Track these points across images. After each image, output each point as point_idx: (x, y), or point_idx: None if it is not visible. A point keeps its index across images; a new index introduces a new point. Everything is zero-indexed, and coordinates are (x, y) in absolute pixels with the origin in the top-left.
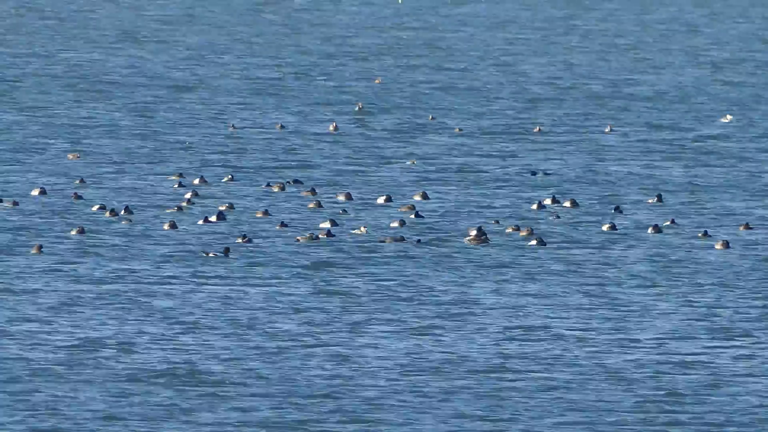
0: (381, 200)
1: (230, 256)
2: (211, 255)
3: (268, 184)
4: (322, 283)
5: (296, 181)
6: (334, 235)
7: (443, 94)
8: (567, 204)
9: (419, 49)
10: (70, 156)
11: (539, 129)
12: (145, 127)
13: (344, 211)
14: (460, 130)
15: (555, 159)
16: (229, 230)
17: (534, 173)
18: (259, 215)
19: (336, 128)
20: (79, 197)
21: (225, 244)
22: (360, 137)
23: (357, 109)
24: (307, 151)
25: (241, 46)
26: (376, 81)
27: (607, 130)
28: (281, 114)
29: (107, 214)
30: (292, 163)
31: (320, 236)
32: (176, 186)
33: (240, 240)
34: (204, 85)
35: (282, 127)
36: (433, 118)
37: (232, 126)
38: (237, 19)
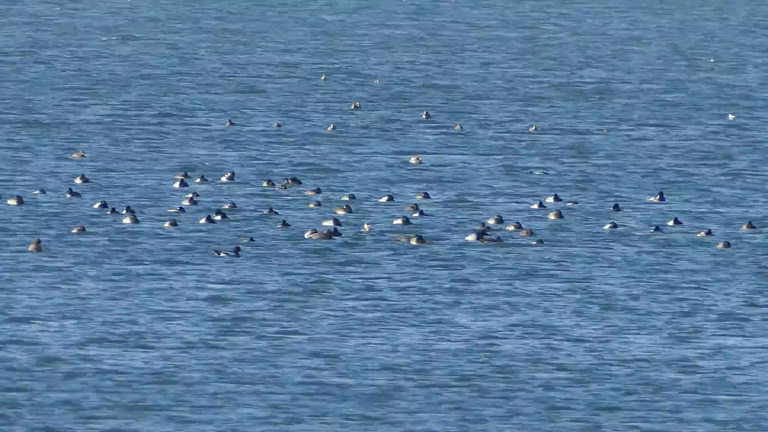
0: (383, 199)
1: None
2: (222, 255)
3: (270, 182)
4: (326, 281)
5: (294, 180)
6: (340, 234)
7: (439, 92)
8: (569, 204)
9: (417, 46)
10: (74, 155)
11: (535, 127)
12: (145, 126)
13: (348, 208)
14: (461, 127)
15: (552, 157)
16: (233, 229)
17: (532, 172)
18: (264, 213)
19: (334, 128)
20: (76, 194)
21: (228, 243)
22: (357, 136)
23: (353, 107)
24: (305, 150)
25: (236, 42)
26: (375, 81)
27: (604, 131)
28: (277, 113)
29: (109, 212)
30: (290, 161)
31: (331, 235)
32: (177, 185)
33: (246, 239)
34: (203, 83)
35: (279, 125)
36: (427, 116)
37: (229, 122)
38: (233, 15)
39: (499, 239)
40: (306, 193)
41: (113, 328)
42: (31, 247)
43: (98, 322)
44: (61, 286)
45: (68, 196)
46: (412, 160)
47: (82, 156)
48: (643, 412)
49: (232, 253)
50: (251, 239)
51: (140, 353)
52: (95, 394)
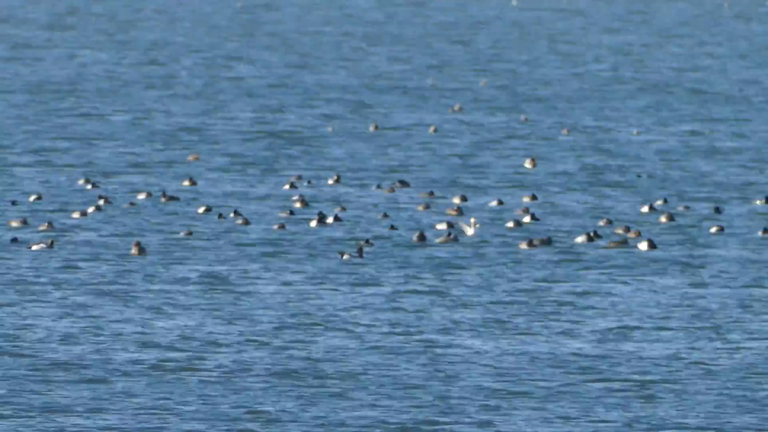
0: (493, 203)
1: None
2: (346, 256)
3: (378, 186)
4: (437, 284)
5: (401, 182)
6: (456, 238)
7: (545, 92)
8: (681, 207)
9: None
10: (189, 157)
11: (638, 132)
12: (262, 129)
13: (459, 210)
14: (568, 131)
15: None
16: (347, 232)
17: (639, 175)
18: (379, 218)
19: (435, 130)
20: (172, 198)
21: (344, 246)
22: (461, 139)
23: (453, 109)
24: (408, 153)
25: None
26: (482, 83)
27: (635, 132)
28: (376, 115)
29: (217, 217)
30: (394, 164)
31: (457, 237)
32: (287, 186)
33: (362, 242)
34: (303, 84)
35: (376, 127)
36: (525, 119)
37: (330, 128)
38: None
39: (625, 240)
40: (419, 195)
41: (224, 329)
42: (132, 251)
43: (206, 324)
44: (164, 289)
45: (163, 200)
46: (527, 164)
47: (197, 158)
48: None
49: (356, 255)
50: (367, 241)
51: (248, 355)
52: (195, 396)
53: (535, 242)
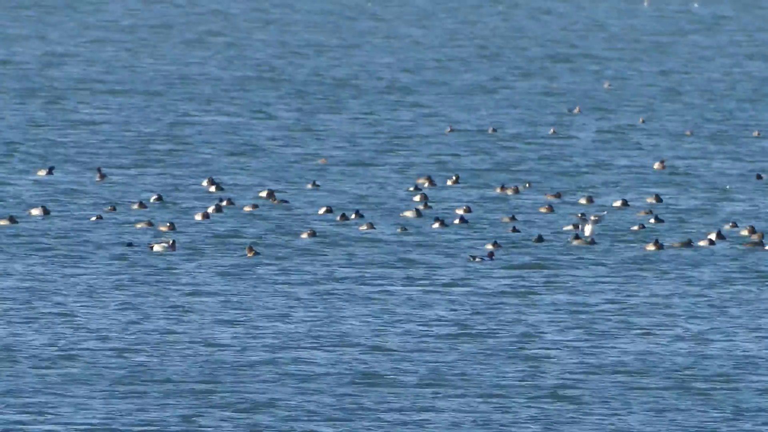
0: (617, 203)
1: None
2: (477, 260)
3: (503, 187)
4: (560, 286)
5: (527, 183)
6: (594, 242)
7: (666, 95)
8: None
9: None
10: (320, 161)
11: (758, 133)
12: (379, 130)
13: (582, 215)
14: (691, 133)
15: None
16: (472, 234)
17: (760, 176)
18: (505, 220)
19: (555, 132)
20: (284, 201)
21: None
22: (582, 140)
23: (573, 111)
24: (527, 154)
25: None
26: (606, 85)
27: (755, 134)
28: (496, 116)
29: (338, 218)
30: (513, 166)
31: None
32: (411, 188)
33: (490, 246)
34: (422, 87)
35: (494, 130)
36: (642, 121)
37: (450, 128)
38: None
39: (759, 243)
40: (545, 196)
41: (342, 332)
42: (247, 253)
43: (325, 326)
44: (282, 290)
45: (274, 201)
46: (656, 165)
47: (325, 162)
48: None
49: (488, 258)
50: (495, 243)
51: (367, 356)
52: (318, 398)
53: (669, 244)
